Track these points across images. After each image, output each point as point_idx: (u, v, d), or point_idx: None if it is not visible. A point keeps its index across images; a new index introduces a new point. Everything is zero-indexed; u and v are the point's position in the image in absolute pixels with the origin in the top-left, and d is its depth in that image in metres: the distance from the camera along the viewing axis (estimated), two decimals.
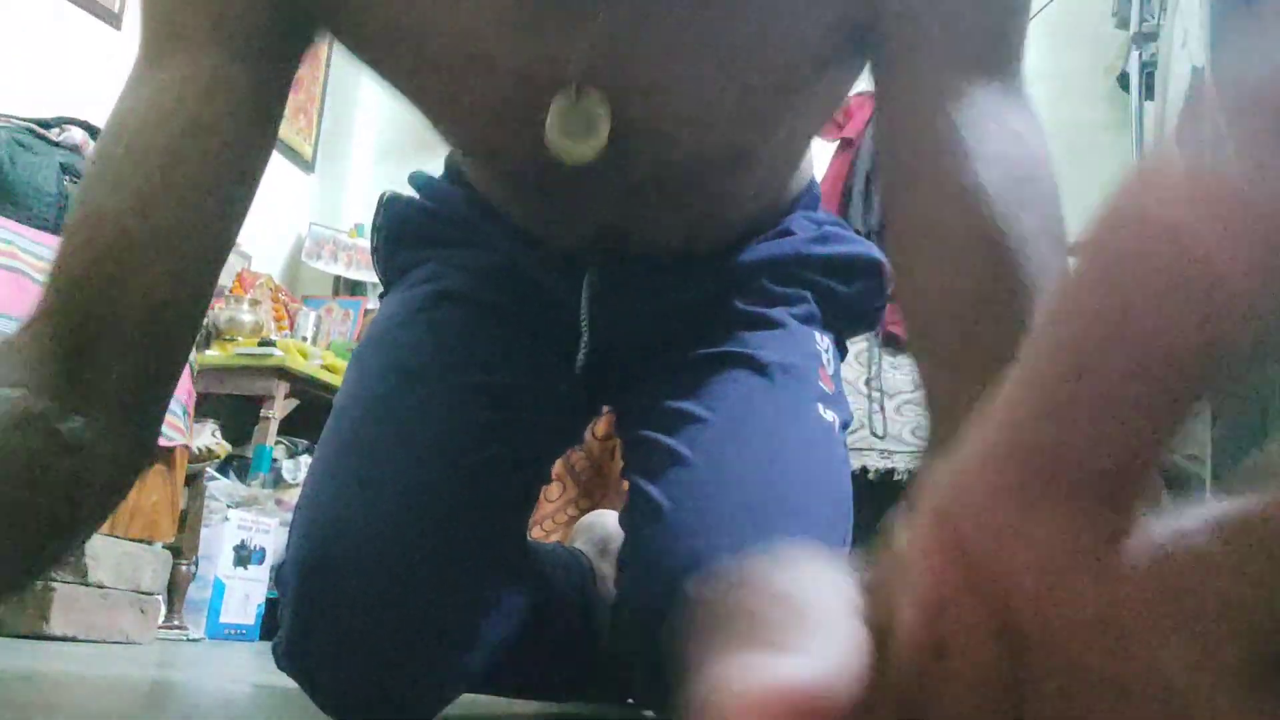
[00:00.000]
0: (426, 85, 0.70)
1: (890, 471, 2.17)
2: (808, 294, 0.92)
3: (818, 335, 0.92)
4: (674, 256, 0.89)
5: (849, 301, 0.95)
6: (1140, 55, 2.08)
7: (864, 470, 2.19)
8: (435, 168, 1.00)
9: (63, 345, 0.56)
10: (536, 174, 0.76)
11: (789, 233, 0.93)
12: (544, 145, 0.67)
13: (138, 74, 0.61)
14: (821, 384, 0.87)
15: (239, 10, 0.60)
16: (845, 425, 0.90)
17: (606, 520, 1.18)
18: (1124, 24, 2.35)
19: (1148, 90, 2.07)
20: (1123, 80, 2.88)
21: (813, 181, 0.98)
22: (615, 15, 0.63)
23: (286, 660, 0.81)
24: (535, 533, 2.64)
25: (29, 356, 0.56)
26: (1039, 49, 3.56)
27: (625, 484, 0.89)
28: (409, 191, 0.98)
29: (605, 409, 1.07)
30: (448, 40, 0.65)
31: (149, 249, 0.57)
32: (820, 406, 0.85)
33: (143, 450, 0.61)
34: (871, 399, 2.32)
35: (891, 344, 2.47)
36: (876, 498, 2.18)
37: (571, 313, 0.89)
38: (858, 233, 2.57)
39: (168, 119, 0.58)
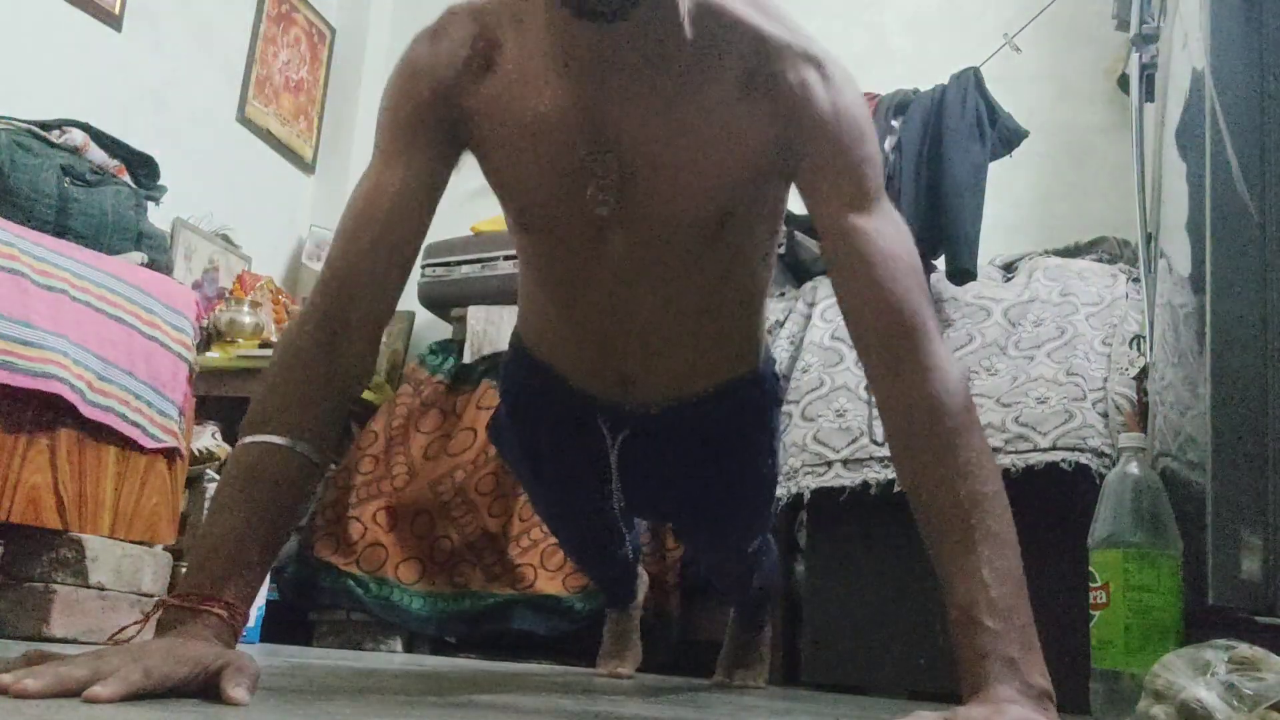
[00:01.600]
0: (514, 182, 1.15)
1: (890, 483, 2.16)
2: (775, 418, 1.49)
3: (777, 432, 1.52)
4: (679, 402, 1.32)
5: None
6: (1140, 57, 2.08)
7: (865, 485, 2.18)
8: None
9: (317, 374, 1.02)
10: (577, 245, 1.16)
11: (763, 409, 1.42)
12: (582, 206, 1.11)
13: (371, 168, 1.10)
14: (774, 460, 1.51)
15: (420, 134, 1.09)
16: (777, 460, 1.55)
17: None
18: (1124, 26, 2.35)
19: (1148, 92, 2.07)
20: (1123, 82, 2.88)
21: (772, 368, 1.45)
22: (626, 146, 1.08)
23: None
24: (535, 533, 2.65)
25: (283, 400, 1.00)
26: (1040, 51, 3.58)
27: None
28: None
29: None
30: (529, 157, 1.11)
31: (377, 277, 1.07)
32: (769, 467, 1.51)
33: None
34: (871, 404, 2.32)
35: None
36: (880, 510, 2.18)
37: (606, 477, 1.42)
38: None
39: (389, 197, 1.07)
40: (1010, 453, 2.09)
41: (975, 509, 0.90)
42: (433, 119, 1.10)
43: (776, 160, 1.08)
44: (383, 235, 1.06)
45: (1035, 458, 2.05)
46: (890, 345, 0.99)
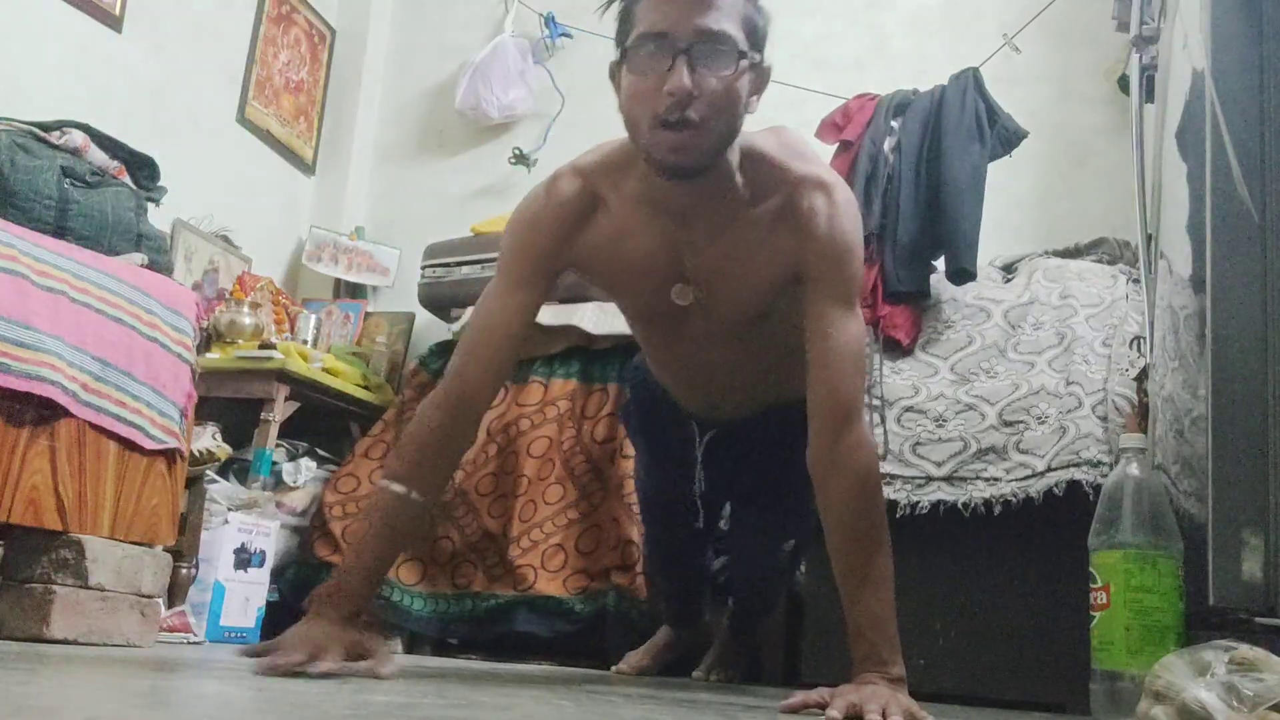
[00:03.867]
0: (618, 289, 1.63)
1: (893, 505, 2.15)
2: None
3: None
4: (745, 416, 1.83)
5: None
6: (1141, 58, 2.08)
7: None
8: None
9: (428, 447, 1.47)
10: (668, 324, 1.63)
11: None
12: (670, 302, 1.57)
13: (494, 291, 1.54)
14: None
15: (535, 272, 1.53)
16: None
17: None
18: (1124, 27, 2.35)
19: (1148, 93, 2.07)
20: (1123, 83, 2.88)
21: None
22: (698, 265, 1.53)
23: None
24: (535, 534, 2.64)
25: (405, 459, 1.46)
26: (1040, 51, 3.58)
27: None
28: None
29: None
30: (630, 276, 1.57)
31: (488, 382, 1.51)
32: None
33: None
34: (872, 409, 2.31)
35: (892, 350, 2.47)
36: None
37: (693, 460, 1.91)
38: None
39: (504, 321, 1.51)
40: (1011, 481, 2.11)
41: (870, 557, 1.36)
42: (544, 265, 1.52)
43: (796, 268, 1.48)
44: (495, 355, 1.50)
45: (1034, 484, 2.09)
46: (834, 420, 1.41)
